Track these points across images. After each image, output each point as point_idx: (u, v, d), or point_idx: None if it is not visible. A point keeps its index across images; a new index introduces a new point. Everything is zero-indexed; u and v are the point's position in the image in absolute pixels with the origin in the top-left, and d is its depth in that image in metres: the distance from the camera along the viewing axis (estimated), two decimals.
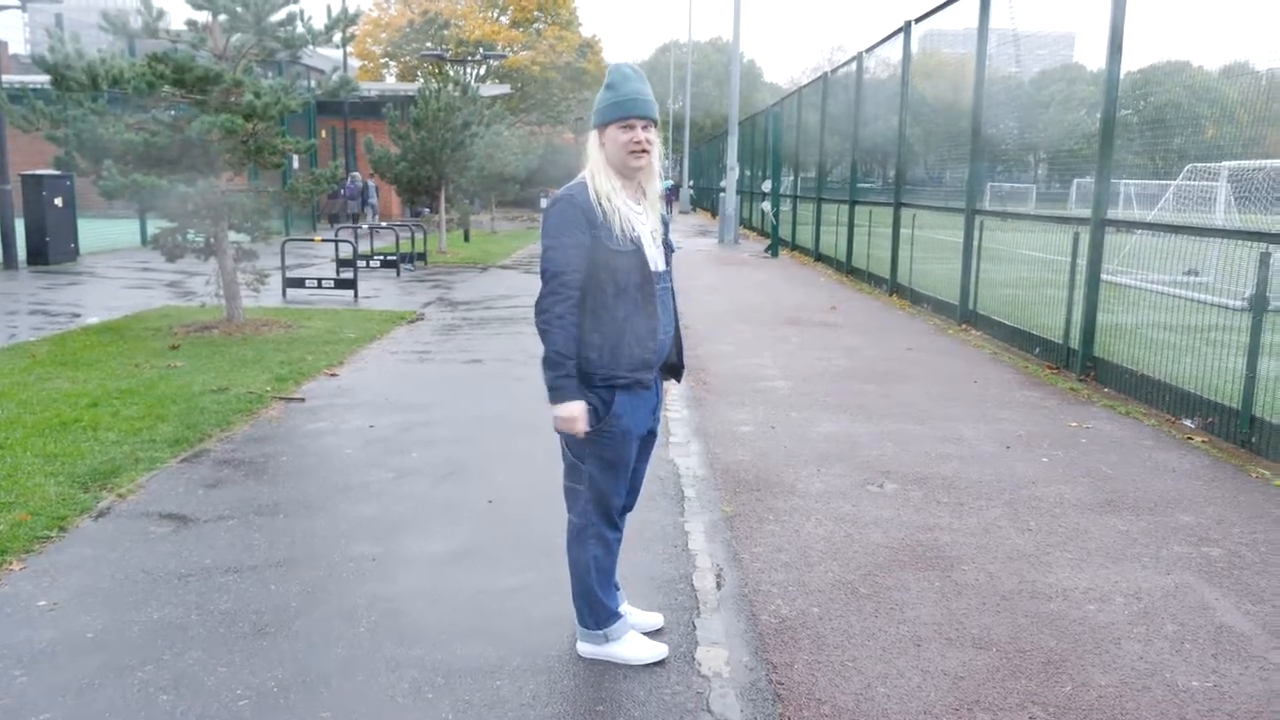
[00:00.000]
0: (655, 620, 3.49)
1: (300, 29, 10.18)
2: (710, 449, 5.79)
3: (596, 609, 3.23)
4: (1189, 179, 14.24)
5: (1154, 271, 7.88)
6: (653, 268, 3.03)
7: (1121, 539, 4.35)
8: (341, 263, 14.87)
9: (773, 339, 9.89)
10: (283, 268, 13.07)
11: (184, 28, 10.17)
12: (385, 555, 4.13)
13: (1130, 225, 7.77)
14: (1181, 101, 8.61)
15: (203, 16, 10.02)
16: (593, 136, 3.03)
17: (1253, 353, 5.83)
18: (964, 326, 10.73)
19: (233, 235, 10.37)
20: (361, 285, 13.58)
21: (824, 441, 5.96)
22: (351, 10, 10.97)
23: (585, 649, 3.29)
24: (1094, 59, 8.44)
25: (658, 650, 3.28)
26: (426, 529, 4.44)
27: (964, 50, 11.64)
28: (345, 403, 6.89)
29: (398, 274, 16.06)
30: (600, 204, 2.96)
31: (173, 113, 9.94)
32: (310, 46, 10.53)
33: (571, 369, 2.95)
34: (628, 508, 3.27)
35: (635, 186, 3.07)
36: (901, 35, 13.71)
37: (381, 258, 16.74)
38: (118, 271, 15.69)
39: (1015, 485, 5.13)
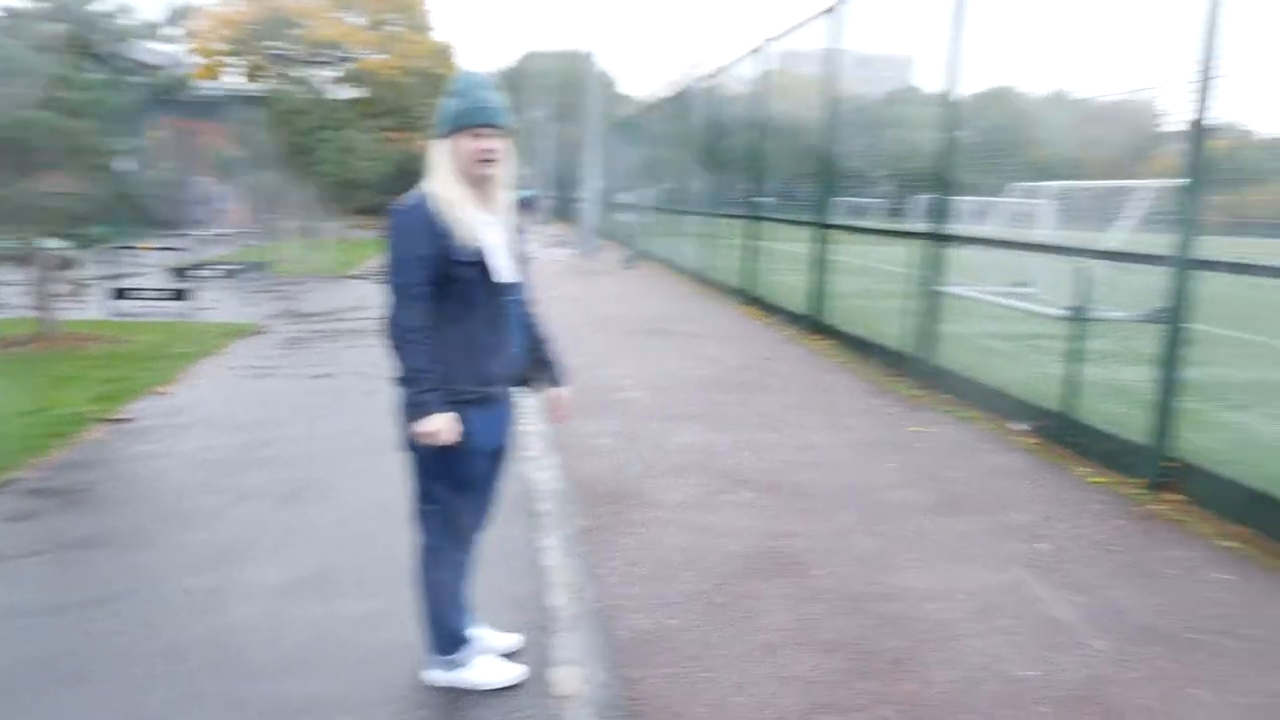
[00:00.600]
0: (512, 641, 3.38)
1: (127, 21, 9.60)
2: (567, 462, 5.73)
3: (446, 634, 3.11)
4: (1018, 196, 15.19)
5: (987, 283, 8.34)
6: (500, 279, 2.94)
7: (961, 539, 4.55)
8: (176, 271, 14.03)
9: (632, 349, 9.92)
10: (109, 277, 12.15)
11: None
12: (220, 586, 3.88)
13: (966, 240, 8.18)
14: (1010, 125, 9.14)
15: (19, 3, 9.32)
16: (439, 145, 2.91)
17: (1073, 359, 6.21)
18: (815, 336, 11.06)
19: (53, 242, 9.65)
20: (199, 296, 12.80)
21: (682, 452, 5.99)
22: (181, 3, 10.42)
23: (436, 676, 3.15)
24: (931, 82, 8.90)
25: (513, 672, 3.19)
26: (266, 555, 4.20)
27: (817, 70, 12.05)
28: (178, 423, 6.47)
29: (239, 284, 15.32)
30: (446, 213, 2.84)
31: None
32: (139, 40, 9.95)
33: (435, 382, 2.83)
34: (479, 528, 3.17)
35: (483, 196, 2.94)
36: (758, 53, 14.08)
37: (223, 266, 15.94)
38: None
39: (864, 490, 5.29)
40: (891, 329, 9.18)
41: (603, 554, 4.26)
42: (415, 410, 2.83)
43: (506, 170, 2.96)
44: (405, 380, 2.84)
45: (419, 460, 3.00)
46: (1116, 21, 6.48)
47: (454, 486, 3.00)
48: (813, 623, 3.64)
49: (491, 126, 2.87)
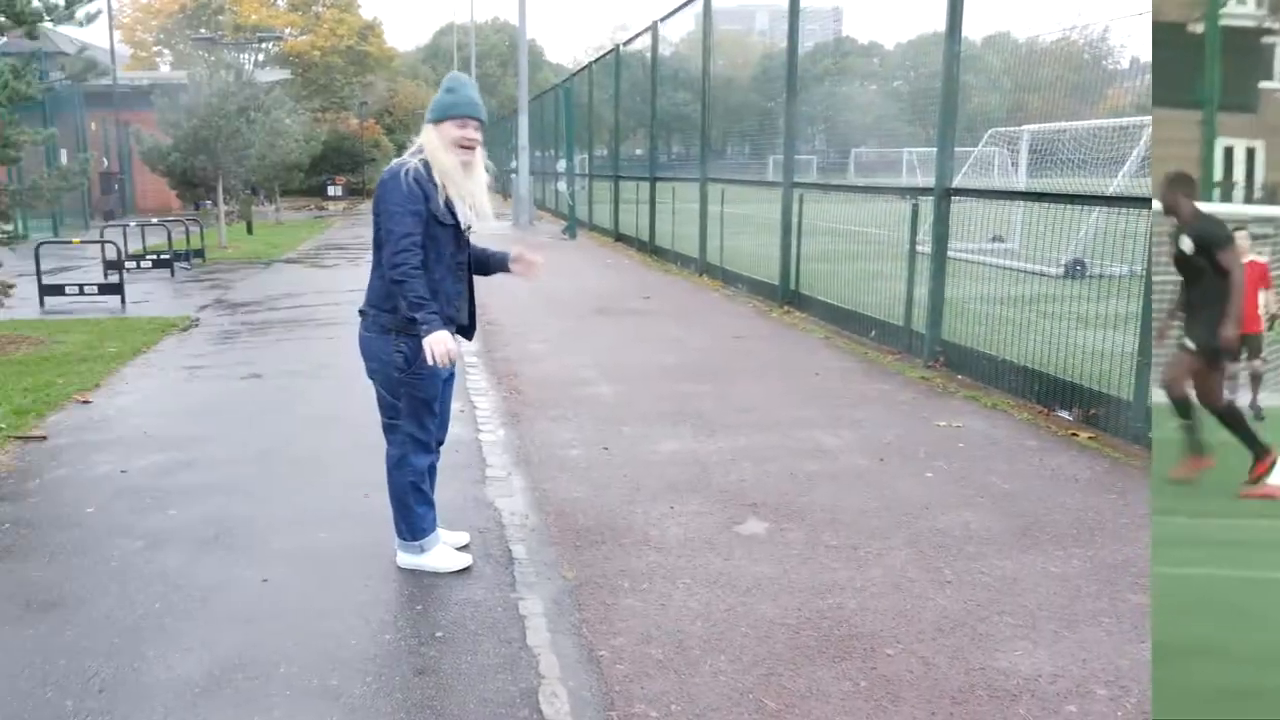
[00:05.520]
0: (463, 537, 3.93)
1: (35, 2, 8.37)
2: (537, 484, 4.64)
3: (413, 522, 3.66)
4: (991, 144, 14.35)
5: (959, 240, 7.42)
6: (464, 242, 3.58)
7: (1062, 588, 3.48)
8: (108, 265, 12.86)
9: (586, 333, 8.85)
10: (38, 274, 11.10)
11: None
12: (114, 681, 2.86)
13: (979, 193, 7.19)
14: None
15: None
16: (428, 128, 3.49)
17: (1146, 335, 5.20)
18: (786, 308, 10.09)
19: None
20: (132, 289, 11.71)
21: (669, 464, 4.93)
22: None
23: (403, 559, 3.70)
24: (866, 31, 8.27)
25: (463, 560, 3.72)
26: (178, 632, 3.19)
27: (739, 27, 11.25)
28: (96, 439, 5.49)
29: (172, 274, 14.17)
30: (437, 180, 3.42)
31: None
32: (49, 22, 8.92)
33: (435, 308, 3.35)
34: (440, 441, 3.79)
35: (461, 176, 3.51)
36: (700, 1, 12.96)
37: (154, 257, 14.72)
38: None
39: (908, 514, 4.26)
40: (882, 299, 8.24)
41: (601, 625, 3.19)
42: (424, 328, 3.31)
43: (480, 160, 3.54)
44: (413, 306, 3.32)
45: (386, 384, 3.58)
46: None
47: (417, 404, 3.57)
48: None
49: (474, 119, 3.49)
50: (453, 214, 3.46)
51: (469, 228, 3.55)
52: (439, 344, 3.28)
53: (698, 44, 13.26)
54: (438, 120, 3.46)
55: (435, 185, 3.40)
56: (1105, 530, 4.10)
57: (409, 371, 3.47)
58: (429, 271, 3.39)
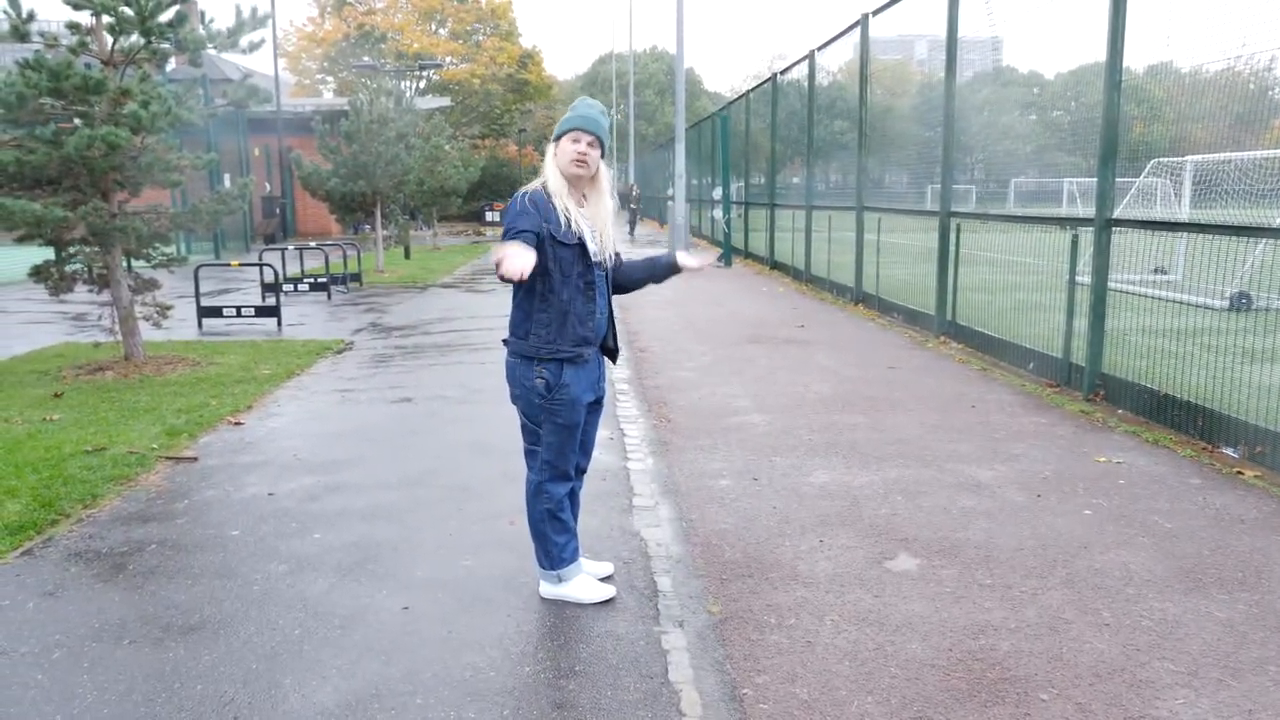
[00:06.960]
0: (607, 568, 3.95)
1: (199, 31, 9.05)
2: (684, 514, 4.75)
3: (550, 551, 3.66)
4: (1154, 175, 13.67)
5: (1120, 271, 7.12)
6: (594, 259, 3.52)
7: (1228, 635, 3.36)
8: (265, 287, 13.66)
9: (739, 361, 8.92)
10: (196, 296, 11.81)
11: (64, 30, 8.98)
12: (249, 709, 2.99)
13: (1142, 224, 6.92)
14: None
15: (83, 17, 8.84)
16: (550, 148, 3.55)
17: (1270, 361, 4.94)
18: (943, 339, 9.88)
19: (135, 261, 9.23)
20: (288, 311, 12.32)
21: (820, 497, 4.96)
22: (261, 12, 9.81)
23: (546, 590, 3.72)
24: (1025, 61, 8.09)
25: (606, 592, 3.72)
26: (315, 659, 3.31)
27: (897, 56, 11.16)
28: (245, 461, 5.77)
29: (329, 297, 14.88)
30: (552, 200, 3.45)
31: (54, 127, 8.73)
32: (213, 49, 9.42)
33: (525, 226, 3.32)
34: (582, 469, 3.77)
35: (580, 195, 3.55)
36: (858, 30, 12.91)
37: (312, 280, 15.58)
38: (20, 304, 14.27)
39: (1065, 552, 4.15)
40: (1041, 330, 7.98)
41: (745, 662, 3.25)
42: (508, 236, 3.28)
43: (605, 182, 3.55)
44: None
45: (529, 411, 3.59)
46: None
47: (558, 430, 3.57)
48: None
49: (587, 133, 3.46)
50: (575, 233, 3.44)
51: (597, 257, 3.52)
52: (511, 248, 3.08)
53: (855, 73, 13.21)
54: (556, 138, 3.50)
55: (554, 206, 3.43)
56: (1273, 573, 3.89)
57: (549, 398, 3.49)
58: (555, 293, 3.43)
